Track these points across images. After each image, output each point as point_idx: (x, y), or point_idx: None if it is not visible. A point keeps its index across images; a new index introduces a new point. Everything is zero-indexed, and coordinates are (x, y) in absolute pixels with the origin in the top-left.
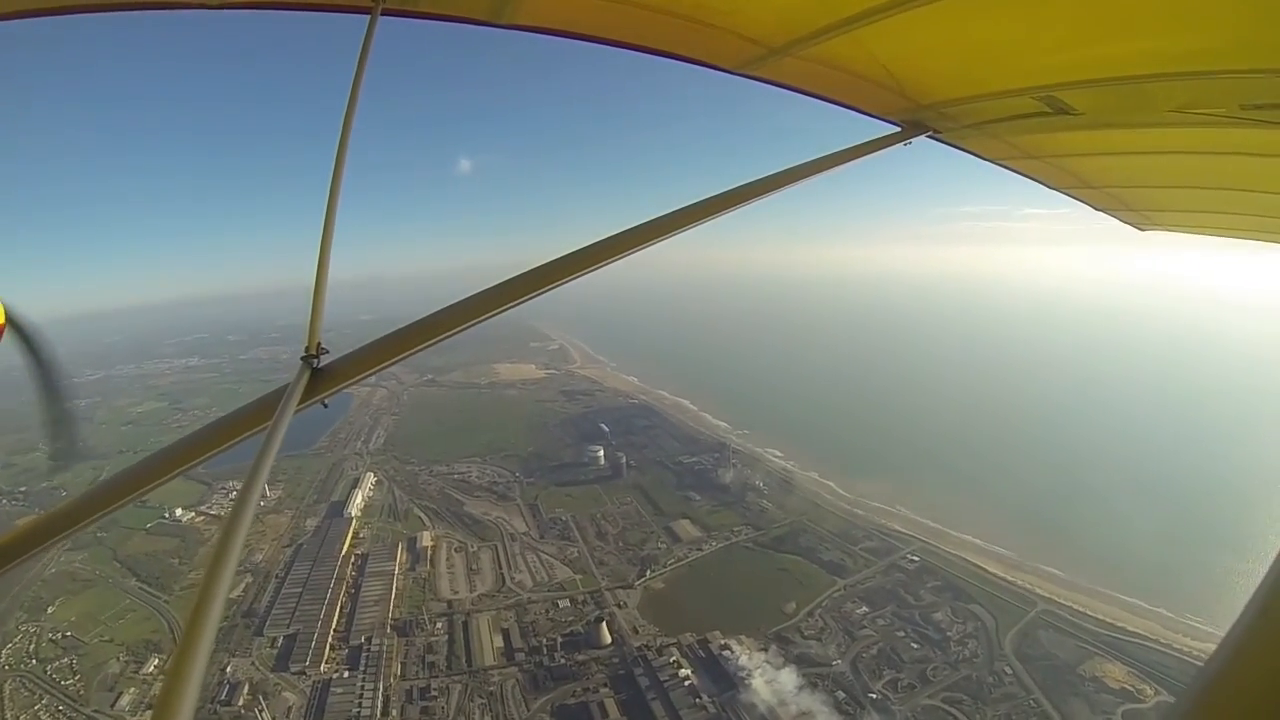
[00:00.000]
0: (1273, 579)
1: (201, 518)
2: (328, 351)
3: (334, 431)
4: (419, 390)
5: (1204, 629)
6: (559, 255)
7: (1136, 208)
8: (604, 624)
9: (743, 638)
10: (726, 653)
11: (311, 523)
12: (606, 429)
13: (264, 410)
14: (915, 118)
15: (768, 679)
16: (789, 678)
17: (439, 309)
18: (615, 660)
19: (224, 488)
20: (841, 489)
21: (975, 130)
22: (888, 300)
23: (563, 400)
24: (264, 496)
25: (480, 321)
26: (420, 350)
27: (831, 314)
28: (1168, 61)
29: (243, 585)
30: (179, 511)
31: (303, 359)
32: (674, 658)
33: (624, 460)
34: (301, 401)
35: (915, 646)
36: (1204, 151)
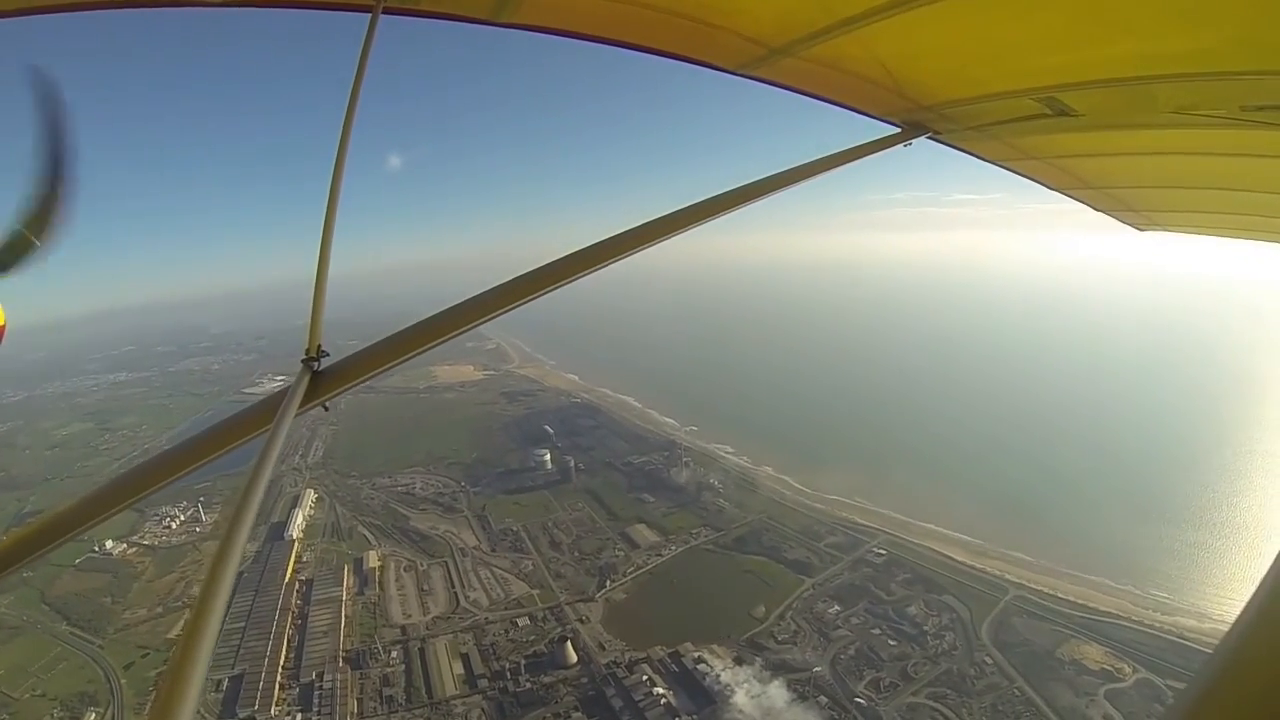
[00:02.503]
0: (1273, 579)
1: (134, 549)
2: (328, 354)
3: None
4: (356, 397)
5: (1171, 603)
6: (558, 257)
7: (1137, 208)
8: (568, 642)
9: (715, 647)
10: (702, 666)
11: (251, 548)
12: (551, 431)
13: (265, 414)
14: (915, 119)
15: (753, 694)
16: (772, 689)
17: (440, 310)
18: (584, 681)
19: (156, 515)
20: (798, 483)
21: (975, 132)
22: (822, 288)
23: (504, 402)
24: (200, 522)
25: (482, 323)
26: (422, 352)
27: (771, 305)
28: (1168, 63)
29: (180, 624)
30: (109, 544)
31: (303, 361)
32: (646, 675)
33: (572, 464)
34: (302, 404)
35: (893, 643)
36: (1204, 152)
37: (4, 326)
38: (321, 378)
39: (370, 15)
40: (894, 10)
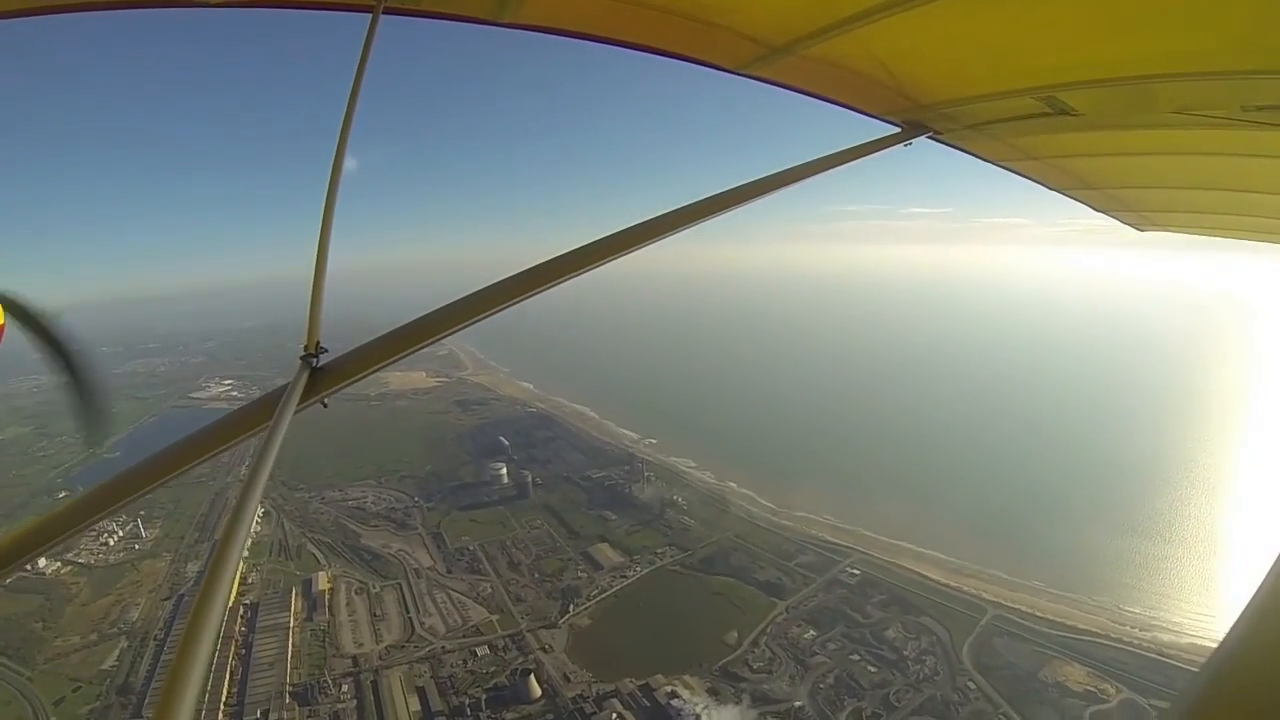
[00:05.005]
0: (1273, 579)
1: (69, 568)
2: (326, 350)
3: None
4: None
5: (1148, 618)
6: (557, 255)
7: (1137, 209)
8: (532, 675)
9: (688, 678)
10: (676, 701)
11: (193, 567)
12: (506, 442)
13: (264, 411)
14: (916, 118)
15: None
16: None
17: (438, 307)
18: (550, 717)
19: (93, 531)
20: (764, 499)
21: (975, 131)
22: (779, 299)
23: (457, 411)
24: (140, 538)
25: (479, 320)
26: (420, 349)
27: (726, 315)
28: (1169, 62)
29: (116, 653)
30: (41, 562)
31: (301, 358)
32: (616, 712)
33: (529, 478)
34: (302, 401)
35: (873, 670)
36: (1205, 152)
37: (3, 326)
38: (320, 374)
39: (371, 15)
40: (894, 9)
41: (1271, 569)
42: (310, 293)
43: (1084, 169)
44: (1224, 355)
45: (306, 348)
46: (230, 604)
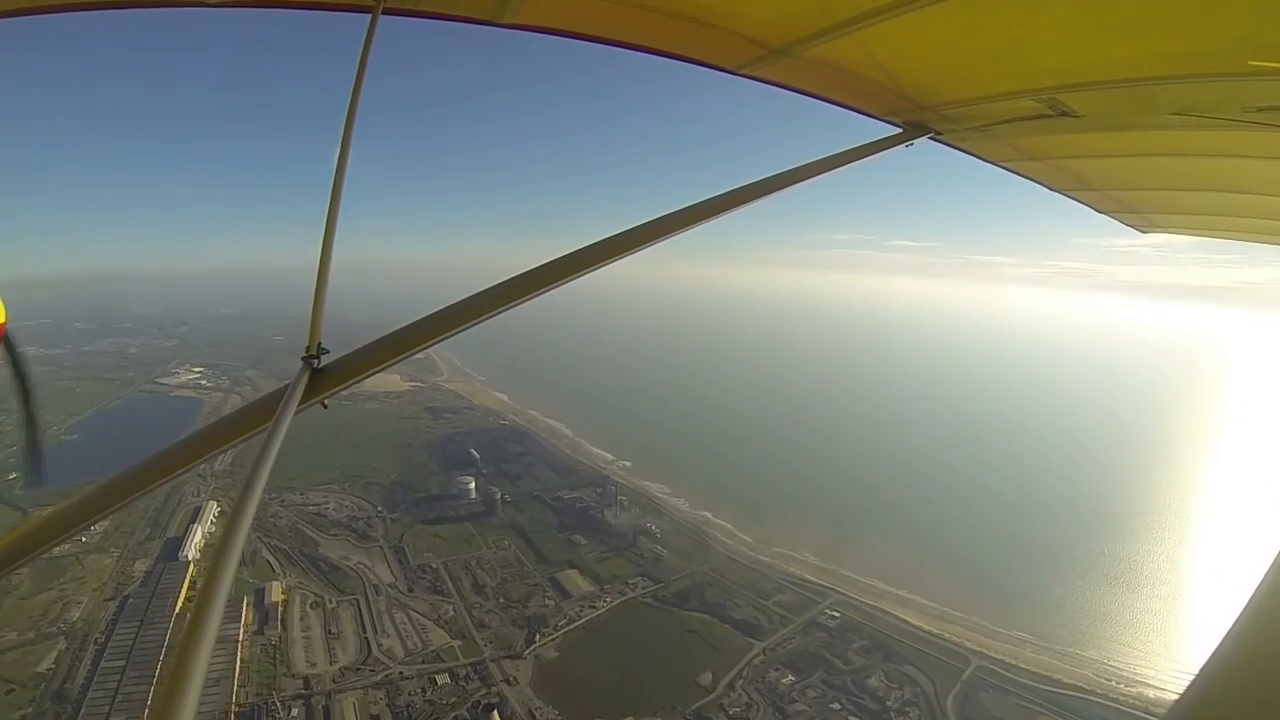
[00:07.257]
0: (1272, 579)
1: None
2: (328, 351)
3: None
4: None
5: (1130, 673)
6: (558, 256)
7: (1139, 210)
8: (495, 710)
9: None
10: None
11: (141, 566)
12: (477, 455)
13: (264, 411)
14: (916, 119)
15: None
16: None
17: (439, 308)
18: None
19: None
20: (740, 531)
21: (977, 132)
22: (764, 324)
23: (429, 418)
24: (88, 530)
25: (481, 321)
26: (421, 350)
27: (709, 339)
28: (1170, 64)
29: (54, 655)
30: None
31: (303, 359)
32: None
33: (498, 495)
34: (302, 402)
35: None
36: (1207, 154)
37: (4, 324)
38: (321, 375)
39: (370, 15)
40: (895, 11)
41: (1270, 569)
42: (313, 294)
43: (1085, 170)
44: (1200, 399)
45: (308, 348)
46: (178, 609)
